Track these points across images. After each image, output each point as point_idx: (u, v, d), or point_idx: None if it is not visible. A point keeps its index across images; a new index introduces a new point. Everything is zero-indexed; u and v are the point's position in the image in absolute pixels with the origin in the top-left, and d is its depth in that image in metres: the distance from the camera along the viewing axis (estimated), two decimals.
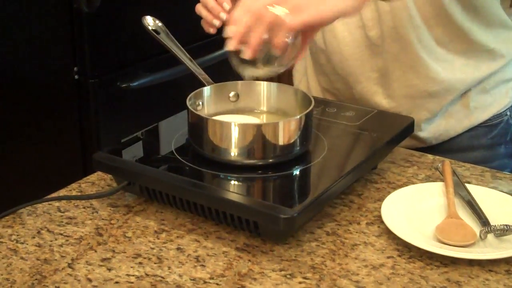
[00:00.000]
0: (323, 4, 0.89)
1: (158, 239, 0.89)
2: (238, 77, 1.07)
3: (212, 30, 1.05)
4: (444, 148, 1.23)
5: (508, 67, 1.22)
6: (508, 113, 1.24)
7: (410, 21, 1.12)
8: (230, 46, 0.90)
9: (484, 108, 1.22)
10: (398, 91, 1.19)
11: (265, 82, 1.07)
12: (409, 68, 1.16)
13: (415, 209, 0.93)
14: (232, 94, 1.05)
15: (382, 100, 1.20)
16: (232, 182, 0.93)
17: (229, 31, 0.91)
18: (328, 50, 1.21)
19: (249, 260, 0.85)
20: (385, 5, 1.12)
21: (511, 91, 1.24)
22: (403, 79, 1.18)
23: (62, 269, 0.83)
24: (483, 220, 0.89)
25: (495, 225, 0.87)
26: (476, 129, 1.23)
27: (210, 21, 1.04)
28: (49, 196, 0.98)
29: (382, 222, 0.90)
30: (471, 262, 0.84)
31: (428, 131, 1.22)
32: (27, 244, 0.88)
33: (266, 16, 0.87)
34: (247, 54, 0.90)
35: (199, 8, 1.06)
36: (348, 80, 1.21)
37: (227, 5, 1.02)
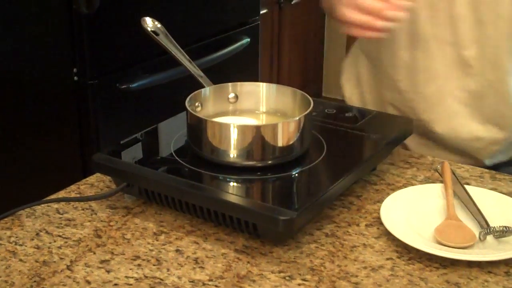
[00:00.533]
0: None
1: (157, 241, 0.89)
2: (238, 78, 1.07)
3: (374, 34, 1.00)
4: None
5: None
6: None
7: (511, 51, 1.09)
8: None
9: None
10: (487, 117, 1.16)
11: (264, 84, 1.07)
12: (501, 98, 1.13)
13: (414, 210, 0.93)
14: (231, 95, 1.05)
15: (468, 122, 1.16)
16: (231, 183, 0.93)
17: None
18: (414, 66, 1.16)
19: (248, 262, 0.84)
20: (489, 29, 1.09)
21: None
22: (494, 108, 1.14)
23: (61, 271, 0.83)
24: (482, 222, 0.89)
25: (494, 227, 0.87)
26: None
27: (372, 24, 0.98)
28: (48, 198, 0.98)
29: (381, 223, 0.90)
30: (470, 264, 0.84)
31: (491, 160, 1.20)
32: (26, 246, 0.88)
33: None
34: None
35: (350, 14, 1.00)
36: (432, 100, 1.16)
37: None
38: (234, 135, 0.93)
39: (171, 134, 1.04)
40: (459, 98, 1.15)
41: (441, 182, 1.00)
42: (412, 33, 1.14)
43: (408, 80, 1.18)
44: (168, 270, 0.83)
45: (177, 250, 0.87)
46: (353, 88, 1.31)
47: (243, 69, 2.25)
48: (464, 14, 1.10)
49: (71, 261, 0.84)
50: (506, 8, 1.07)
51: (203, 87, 1.04)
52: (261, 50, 2.42)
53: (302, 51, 3.33)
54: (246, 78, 1.07)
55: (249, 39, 2.25)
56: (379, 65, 1.23)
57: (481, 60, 1.11)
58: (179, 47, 1.07)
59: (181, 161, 0.96)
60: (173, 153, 0.98)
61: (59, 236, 0.90)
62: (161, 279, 0.81)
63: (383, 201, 0.94)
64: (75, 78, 1.76)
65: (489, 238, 0.87)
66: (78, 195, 1.00)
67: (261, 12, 2.43)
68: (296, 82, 3.27)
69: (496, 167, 1.17)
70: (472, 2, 1.09)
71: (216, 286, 0.80)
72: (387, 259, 0.85)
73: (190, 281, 0.81)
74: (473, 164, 1.14)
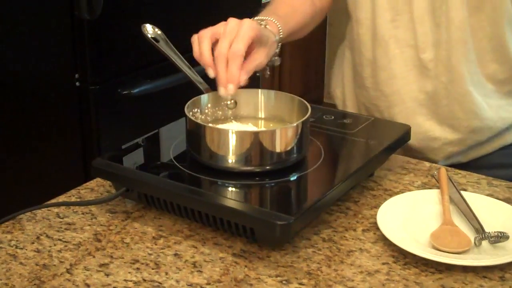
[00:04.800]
0: None
1: (156, 245, 0.90)
2: None
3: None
4: (475, 165, 1.22)
5: None
6: None
7: (464, 54, 1.12)
8: None
9: None
10: (442, 118, 1.18)
11: (263, 90, 1.08)
12: (455, 100, 1.16)
13: (411, 216, 0.94)
14: (230, 101, 1.06)
15: (425, 122, 1.19)
16: (230, 188, 0.94)
17: None
18: (376, 65, 1.20)
19: (246, 266, 0.85)
20: (443, 33, 1.12)
21: None
22: (448, 109, 1.17)
23: (61, 274, 0.84)
24: (477, 227, 0.90)
25: (490, 232, 0.88)
26: (509, 147, 1.23)
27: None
28: (48, 202, 0.99)
29: (378, 228, 0.91)
30: (465, 269, 0.85)
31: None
32: (26, 249, 0.89)
33: None
34: None
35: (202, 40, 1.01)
36: (392, 98, 1.20)
37: None
38: (232, 141, 0.94)
39: (172, 139, 1.05)
40: (417, 99, 1.19)
41: (438, 188, 1.00)
42: (373, 33, 1.18)
43: (372, 78, 1.22)
44: (166, 273, 0.84)
45: (175, 254, 0.88)
46: (338, 81, 1.35)
47: None
48: (422, 17, 1.13)
49: (70, 265, 0.85)
50: (457, 13, 1.10)
51: (203, 93, 1.05)
52: None
53: (304, 57, 3.34)
54: (246, 84, 1.08)
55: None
56: (353, 63, 1.27)
57: (436, 63, 1.15)
58: (178, 53, 1.08)
59: (180, 166, 0.97)
60: (173, 159, 0.99)
61: (59, 240, 0.91)
62: (159, 283, 0.82)
63: (380, 206, 0.95)
64: (77, 83, 1.78)
65: (485, 243, 0.88)
66: (78, 200, 1.01)
67: None
68: (297, 88, 3.27)
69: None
70: (429, 6, 1.12)
71: None
72: (383, 263, 0.86)
73: (188, 285, 0.82)
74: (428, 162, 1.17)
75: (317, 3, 1.25)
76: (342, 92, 1.32)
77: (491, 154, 1.22)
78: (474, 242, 0.88)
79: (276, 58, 1.12)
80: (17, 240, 0.91)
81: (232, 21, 0.98)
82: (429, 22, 1.13)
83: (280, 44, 1.10)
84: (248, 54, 0.99)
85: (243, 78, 0.98)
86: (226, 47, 0.96)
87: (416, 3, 1.12)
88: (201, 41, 0.99)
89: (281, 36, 1.10)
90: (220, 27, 0.99)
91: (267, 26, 1.07)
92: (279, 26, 1.10)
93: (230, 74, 0.96)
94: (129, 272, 0.84)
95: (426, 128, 1.20)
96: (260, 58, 1.01)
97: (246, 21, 0.99)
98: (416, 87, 1.18)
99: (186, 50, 1.05)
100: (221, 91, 0.98)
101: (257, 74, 1.15)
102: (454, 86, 1.15)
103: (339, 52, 1.35)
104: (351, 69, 1.29)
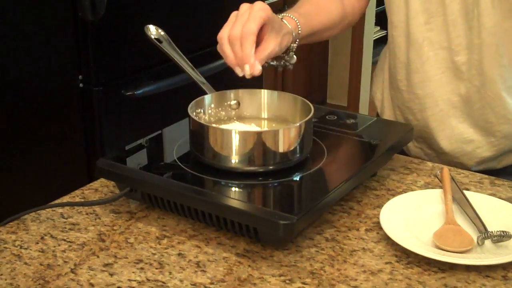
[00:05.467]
0: None
1: (160, 244, 0.90)
2: (239, 85, 1.08)
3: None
4: (509, 171, 1.21)
5: None
6: None
7: (496, 59, 1.12)
8: None
9: None
10: (475, 122, 1.18)
11: (266, 90, 1.08)
12: (487, 104, 1.15)
13: (414, 215, 0.94)
14: (233, 102, 1.06)
15: (458, 125, 1.19)
16: (233, 188, 0.94)
17: None
18: (410, 67, 1.19)
19: (249, 266, 0.86)
20: (475, 37, 1.11)
21: None
22: (481, 113, 1.16)
23: (65, 274, 0.84)
24: (480, 227, 0.90)
25: (493, 231, 0.88)
26: None
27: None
28: (52, 203, 0.99)
29: (381, 228, 0.91)
30: (468, 268, 0.85)
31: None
32: (31, 249, 0.89)
33: None
34: None
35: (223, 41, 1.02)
36: (425, 101, 1.19)
37: None
38: (235, 141, 0.94)
39: (176, 140, 1.05)
40: (450, 101, 1.18)
41: (441, 187, 1.01)
42: (407, 35, 1.18)
43: (406, 81, 1.21)
44: (170, 273, 0.84)
45: (179, 254, 0.88)
46: (380, 83, 1.34)
47: None
48: (456, 20, 1.13)
49: (75, 265, 0.86)
50: (488, 18, 1.10)
51: (206, 93, 1.06)
52: None
53: (307, 57, 3.35)
54: (249, 85, 1.08)
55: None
56: (390, 66, 1.26)
57: (469, 66, 1.14)
58: (182, 54, 1.09)
59: (183, 166, 0.98)
60: (176, 159, 1.00)
61: (63, 240, 0.91)
62: (163, 282, 0.82)
63: (383, 206, 0.95)
64: (81, 85, 1.78)
65: (487, 242, 0.88)
66: (82, 200, 1.01)
67: None
68: (300, 89, 3.28)
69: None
70: (463, 9, 1.11)
71: None
72: (386, 263, 0.86)
73: (192, 285, 0.82)
74: (461, 168, 1.16)
75: (347, 5, 1.25)
76: (382, 94, 1.31)
77: None
78: (477, 242, 0.88)
79: (292, 54, 1.12)
80: (21, 240, 0.91)
81: (244, 6, 1.01)
82: (463, 25, 1.12)
83: (298, 40, 1.11)
84: (260, 41, 1.00)
85: (258, 69, 0.98)
86: (239, 29, 0.98)
87: (450, 6, 1.12)
88: (221, 44, 1.00)
89: (299, 32, 1.10)
90: (233, 17, 1.01)
91: (283, 20, 1.08)
92: (297, 22, 1.10)
93: (245, 54, 0.97)
94: (133, 272, 0.84)
95: (459, 131, 1.19)
96: (272, 46, 1.01)
97: (258, 3, 1.01)
98: (449, 89, 1.17)
99: (189, 51, 1.05)
100: (237, 70, 0.99)
101: (279, 69, 1.16)
102: (486, 90, 1.14)
103: (381, 54, 1.35)
104: (388, 72, 1.29)
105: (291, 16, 1.10)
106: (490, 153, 1.19)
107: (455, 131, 1.19)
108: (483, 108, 1.16)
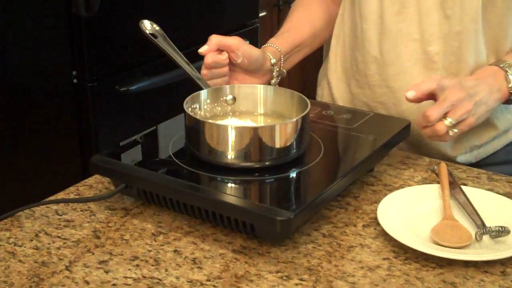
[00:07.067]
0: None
1: (155, 241, 0.89)
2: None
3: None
4: (481, 163, 1.21)
5: None
6: None
7: (475, 45, 1.11)
8: None
9: None
10: None
11: (262, 85, 1.08)
12: None
13: (411, 211, 0.94)
14: (229, 97, 1.06)
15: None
16: (229, 184, 0.93)
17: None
18: (383, 61, 1.18)
19: (246, 262, 0.85)
20: (456, 24, 1.11)
21: None
22: None
23: (60, 271, 0.83)
24: (478, 222, 0.90)
25: (491, 227, 0.87)
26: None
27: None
28: (47, 199, 0.99)
29: (378, 224, 0.91)
30: (466, 264, 0.84)
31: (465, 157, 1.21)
32: (25, 247, 0.88)
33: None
34: None
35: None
36: (400, 94, 1.17)
37: None
38: (232, 137, 0.93)
39: (171, 136, 1.04)
40: None
41: (438, 182, 1.00)
42: (380, 27, 1.17)
43: (378, 75, 1.20)
44: (166, 270, 0.83)
45: (175, 251, 0.87)
46: (322, 78, 1.36)
47: None
48: (431, 9, 1.12)
49: (70, 262, 0.85)
50: (471, 4, 1.09)
51: (201, 89, 1.05)
52: None
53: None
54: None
55: (248, 42, 2.25)
56: (351, 63, 1.25)
57: (445, 56, 1.14)
58: (177, 49, 1.08)
59: (179, 162, 0.97)
60: (172, 155, 0.99)
61: (58, 237, 0.90)
62: (159, 279, 0.82)
63: (380, 201, 0.95)
64: (75, 80, 1.77)
65: (485, 238, 0.88)
66: (77, 197, 1.00)
67: (260, 14, 2.43)
68: (295, 84, 3.27)
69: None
70: None
71: (214, 286, 0.81)
72: (384, 259, 0.86)
73: (188, 281, 0.81)
74: (440, 159, 1.15)
75: (331, 8, 1.26)
76: (329, 92, 1.31)
77: (496, 152, 1.21)
78: (475, 237, 0.87)
79: (280, 71, 1.22)
80: (15, 238, 0.90)
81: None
82: (437, 14, 1.12)
83: (282, 60, 1.21)
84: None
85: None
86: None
87: None
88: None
89: (281, 56, 1.20)
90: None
91: (266, 53, 1.17)
92: (275, 46, 1.20)
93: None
94: (129, 269, 0.84)
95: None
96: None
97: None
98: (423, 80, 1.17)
99: (185, 46, 1.04)
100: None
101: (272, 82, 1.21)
102: (463, 77, 1.13)
103: (321, 70, 1.36)
104: (340, 65, 1.28)
105: (269, 44, 1.20)
106: (466, 144, 1.18)
107: None
108: None
